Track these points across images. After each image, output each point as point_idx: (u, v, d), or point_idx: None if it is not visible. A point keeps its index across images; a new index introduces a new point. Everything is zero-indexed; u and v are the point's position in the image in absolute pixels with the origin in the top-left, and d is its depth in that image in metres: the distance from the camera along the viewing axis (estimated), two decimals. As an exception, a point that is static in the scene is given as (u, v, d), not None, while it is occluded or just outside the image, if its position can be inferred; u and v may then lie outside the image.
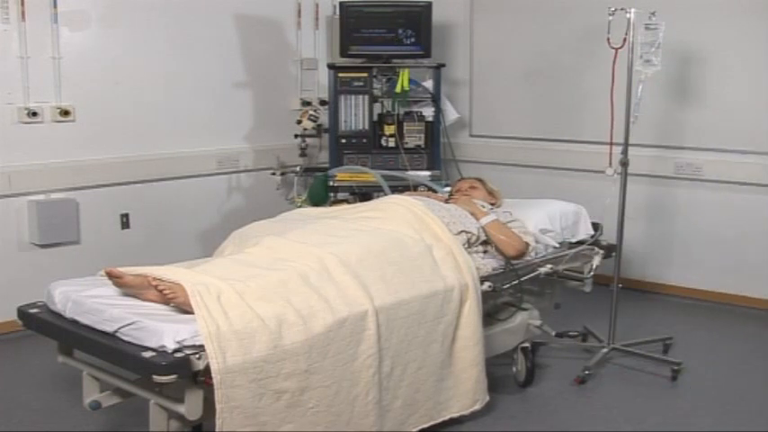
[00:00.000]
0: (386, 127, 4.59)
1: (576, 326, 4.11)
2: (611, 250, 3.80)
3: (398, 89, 4.52)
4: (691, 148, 4.76)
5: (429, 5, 4.69)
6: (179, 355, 2.35)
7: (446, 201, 3.55)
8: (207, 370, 2.35)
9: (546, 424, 3.25)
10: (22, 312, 2.79)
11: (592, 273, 3.66)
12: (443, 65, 4.74)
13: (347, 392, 2.65)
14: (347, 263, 2.81)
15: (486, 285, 3.16)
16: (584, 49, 4.92)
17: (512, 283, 3.27)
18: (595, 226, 3.86)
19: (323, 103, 5.16)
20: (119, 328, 2.44)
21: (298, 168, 4.88)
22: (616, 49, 3.67)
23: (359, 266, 2.82)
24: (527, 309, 3.52)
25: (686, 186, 4.84)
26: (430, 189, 4.14)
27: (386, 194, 3.96)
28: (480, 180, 3.88)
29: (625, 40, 3.66)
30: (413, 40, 4.71)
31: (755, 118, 4.56)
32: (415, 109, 4.65)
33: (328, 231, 3.06)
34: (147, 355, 2.34)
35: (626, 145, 3.80)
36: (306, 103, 5.30)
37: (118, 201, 4.56)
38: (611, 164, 3.82)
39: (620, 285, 3.92)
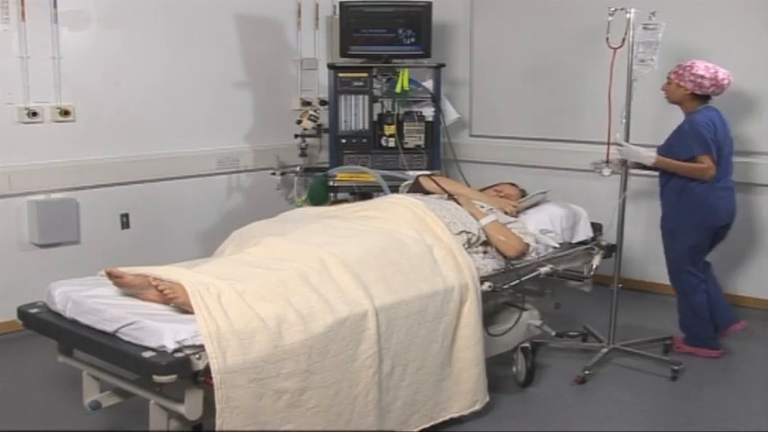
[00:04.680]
0: (386, 127, 4.59)
1: (576, 326, 4.11)
2: (611, 250, 3.80)
3: (398, 89, 4.52)
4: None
5: (429, 5, 4.69)
6: (179, 354, 2.35)
7: (448, 198, 3.53)
8: (207, 370, 2.35)
9: (546, 424, 3.25)
10: (22, 312, 2.80)
11: (592, 273, 3.66)
12: (443, 65, 4.74)
13: (347, 392, 2.65)
14: (347, 263, 2.81)
15: (486, 285, 3.16)
16: (584, 49, 4.91)
17: (512, 284, 3.27)
18: (595, 226, 3.86)
19: (323, 103, 5.16)
20: (119, 328, 2.45)
21: (298, 168, 4.88)
22: (615, 49, 3.67)
23: (359, 266, 2.82)
24: (527, 309, 3.52)
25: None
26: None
27: (385, 194, 3.95)
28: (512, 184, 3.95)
29: (624, 40, 3.66)
30: (413, 40, 4.70)
31: (755, 118, 4.56)
32: (415, 109, 4.65)
33: (328, 231, 3.06)
34: (147, 354, 2.35)
35: (626, 145, 3.79)
36: (306, 103, 5.30)
37: (118, 201, 4.56)
38: (607, 163, 3.81)
39: (620, 285, 3.92)
